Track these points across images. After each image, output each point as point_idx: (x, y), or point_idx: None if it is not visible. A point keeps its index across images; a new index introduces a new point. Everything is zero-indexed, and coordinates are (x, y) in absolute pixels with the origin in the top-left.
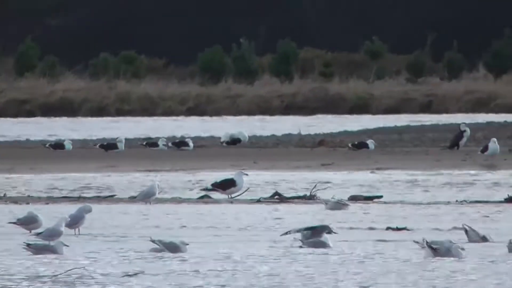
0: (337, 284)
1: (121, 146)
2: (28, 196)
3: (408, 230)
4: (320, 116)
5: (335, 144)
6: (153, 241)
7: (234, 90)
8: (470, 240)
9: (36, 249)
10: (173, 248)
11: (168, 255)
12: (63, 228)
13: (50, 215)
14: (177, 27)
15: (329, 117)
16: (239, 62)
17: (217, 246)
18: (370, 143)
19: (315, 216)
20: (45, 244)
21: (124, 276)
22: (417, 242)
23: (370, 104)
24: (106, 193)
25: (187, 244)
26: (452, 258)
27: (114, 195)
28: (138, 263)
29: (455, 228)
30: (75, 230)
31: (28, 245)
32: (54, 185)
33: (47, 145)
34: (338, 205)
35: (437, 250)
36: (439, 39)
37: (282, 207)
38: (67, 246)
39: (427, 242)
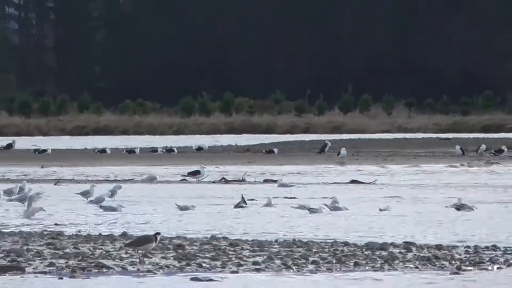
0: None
1: (137, 151)
2: (86, 179)
3: (296, 198)
4: (246, 135)
5: (255, 151)
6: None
7: (199, 120)
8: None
9: (104, 209)
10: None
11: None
12: (106, 197)
13: (98, 190)
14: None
15: (252, 135)
16: (202, 105)
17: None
18: (275, 150)
19: (244, 192)
20: (111, 206)
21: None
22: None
23: (274, 128)
24: (128, 178)
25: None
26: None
27: (133, 179)
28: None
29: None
30: (112, 198)
31: (101, 206)
32: (101, 173)
33: (96, 151)
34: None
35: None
36: (312, 92)
37: (226, 186)
38: (123, 207)
39: (302, 206)
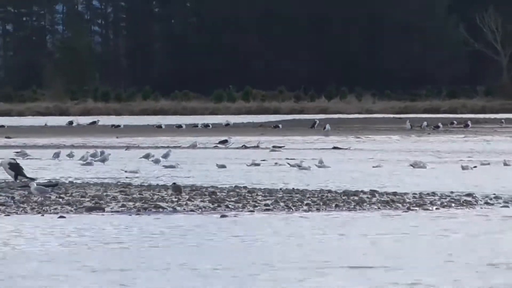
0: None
1: (184, 126)
2: (148, 146)
3: (295, 159)
4: (260, 116)
5: (266, 126)
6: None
7: (227, 105)
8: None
9: (164, 166)
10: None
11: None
12: (162, 159)
13: (157, 153)
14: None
15: (263, 116)
16: (229, 95)
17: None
18: (280, 125)
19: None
20: (170, 164)
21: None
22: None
23: (279, 110)
24: (177, 145)
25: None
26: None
27: (180, 146)
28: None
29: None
30: (166, 159)
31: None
32: (158, 142)
33: (155, 126)
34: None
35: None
36: (306, 86)
37: (245, 150)
38: (179, 165)
39: (297, 164)
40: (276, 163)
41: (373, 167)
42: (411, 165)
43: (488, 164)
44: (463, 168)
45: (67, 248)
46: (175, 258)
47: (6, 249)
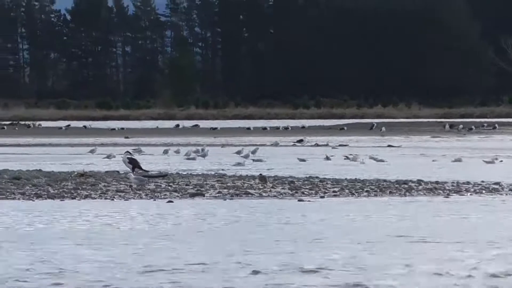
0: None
1: (268, 128)
2: (239, 144)
3: (357, 154)
4: (329, 120)
5: (334, 128)
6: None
7: (303, 111)
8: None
9: (253, 160)
10: None
11: None
12: (250, 154)
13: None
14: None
15: (332, 120)
16: (304, 103)
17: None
18: (345, 127)
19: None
20: (259, 158)
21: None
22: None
23: (344, 115)
24: (262, 144)
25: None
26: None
27: (265, 144)
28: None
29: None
30: (254, 155)
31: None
32: (248, 141)
33: (246, 128)
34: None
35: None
36: (365, 96)
37: (317, 148)
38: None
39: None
40: (346, 157)
41: (433, 160)
42: (455, 160)
43: None
44: (492, 161)
45: (176, 226)
46: (264, 232)
47: (125, 227)
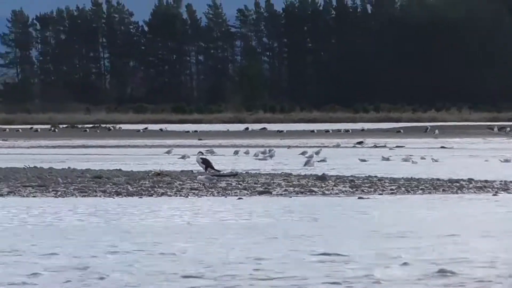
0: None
1: (330, 131)
2: (304, 145)
3: (412, 155)
4: (386, 123)
5: (391, 131)
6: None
7: (363, 115)
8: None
9: (318, 160)
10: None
11: None
12: (314, 155)
13: (310, 151)
14: None
15: (389, 123)
16: (364, 108)
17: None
18: (402, 130)
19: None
20: (322, 159)
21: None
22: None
23: (401, 119)
24: (324, 145)
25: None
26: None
27: (327, 145)
28: None
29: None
30: (317, 156)
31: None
32: (312, 142)
33: (310, 131)
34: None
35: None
36: (421, 102)
37: (375, 149)
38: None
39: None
40: (403, 159)
41: (485, 161)
42: (502, 160)
43: None
44: None
45: (244, 220)
46: (328, 223)
47: (203, 221)
